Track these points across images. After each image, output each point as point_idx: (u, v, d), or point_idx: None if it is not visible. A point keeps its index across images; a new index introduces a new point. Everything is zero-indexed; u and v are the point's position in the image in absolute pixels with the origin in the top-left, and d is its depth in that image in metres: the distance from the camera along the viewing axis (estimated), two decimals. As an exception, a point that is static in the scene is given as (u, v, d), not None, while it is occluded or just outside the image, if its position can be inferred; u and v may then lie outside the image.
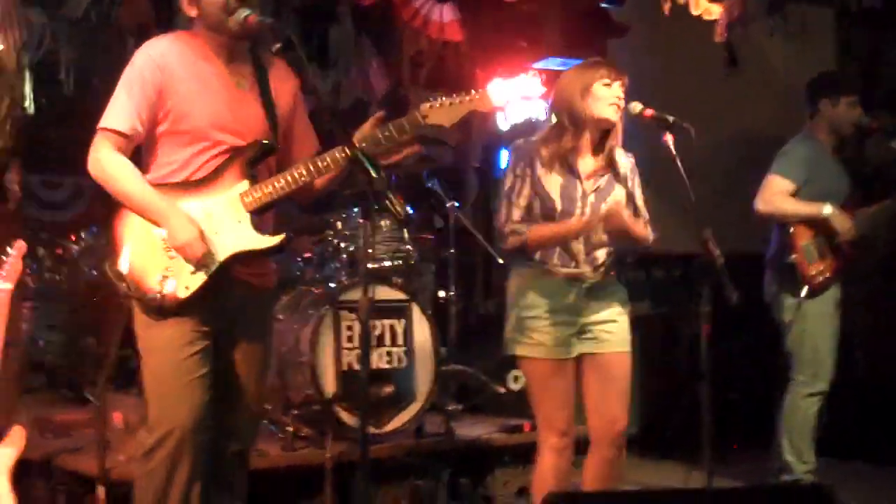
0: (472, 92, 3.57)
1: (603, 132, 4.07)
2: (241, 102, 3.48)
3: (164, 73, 3.39)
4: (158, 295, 3.35)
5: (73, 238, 6.96)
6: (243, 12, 3.38)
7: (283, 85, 3.61)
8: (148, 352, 3.47)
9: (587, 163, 4.07)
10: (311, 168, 3.42)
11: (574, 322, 4.02)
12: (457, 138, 7.70)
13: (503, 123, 7.17)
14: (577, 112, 4.00)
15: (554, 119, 4.10)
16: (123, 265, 3.38)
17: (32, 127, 5.97)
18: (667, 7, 6.27)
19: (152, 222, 3.37)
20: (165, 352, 3.40)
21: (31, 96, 6.47)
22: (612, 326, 4.09)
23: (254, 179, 3.45)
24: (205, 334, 3.43)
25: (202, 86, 3.43)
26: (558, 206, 4.00)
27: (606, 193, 4.07)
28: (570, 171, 4.03)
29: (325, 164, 3.42)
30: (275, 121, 3.52)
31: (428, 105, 3.49)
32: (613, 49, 6.86)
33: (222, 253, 3.41)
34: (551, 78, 6.81)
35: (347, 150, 3.28)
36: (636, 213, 4.12)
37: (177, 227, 3.34)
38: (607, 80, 4.00)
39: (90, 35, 6.59)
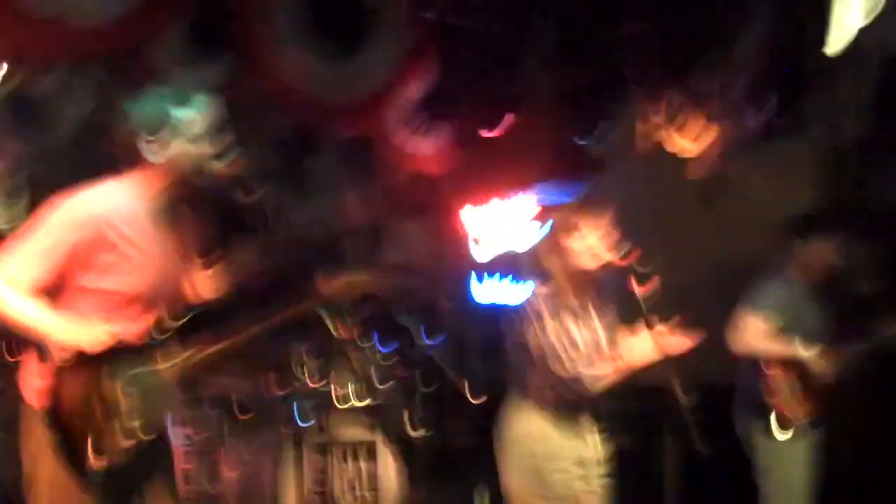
0: (367, 274, 3.66)
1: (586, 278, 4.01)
2: (170, 266, 3.38)
3: (99, 230, 3.21)
4: (92, 463, 3.13)
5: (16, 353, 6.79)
6: (215, 164, 3.30)
7: (190, 232, 3.51)
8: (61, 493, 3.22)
9: (576, 304, 4.00)
10: (235, 346, 3.38)
11: (586, 475, 3.90)
12: (431, 269, 7.68)
13: (478, 254, 7.14)
14: (551, 270, 3.96)
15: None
16: (64, 425, 3.17)
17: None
18: (640, 141, 6.32)
19: (48, 337, 3.18)
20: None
21: (12, 219, 6.48)
22: (601, 480, 3.98)
23: (181, 342, 3.33)
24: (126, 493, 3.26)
25: (144, 250, 3.29)
26: (584, 354, 3.90)
27: (596, 337, 4.02)
28: (578, 316, 3.96)
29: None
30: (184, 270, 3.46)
31: (333, 282, 3.53)
32: (591, 182, 6.87)
33: (155, 426, 3.26)
34: (528, 210, 6.93)
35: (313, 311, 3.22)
36: None
37: (70, 332, 3.16)
38: (578, 233, 3.94)
39: (71, 160, 6.59)
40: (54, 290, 3.26)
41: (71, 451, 3.15)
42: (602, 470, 3.98)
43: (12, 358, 6.75)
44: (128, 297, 3.28)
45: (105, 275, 3.23)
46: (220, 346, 3.33)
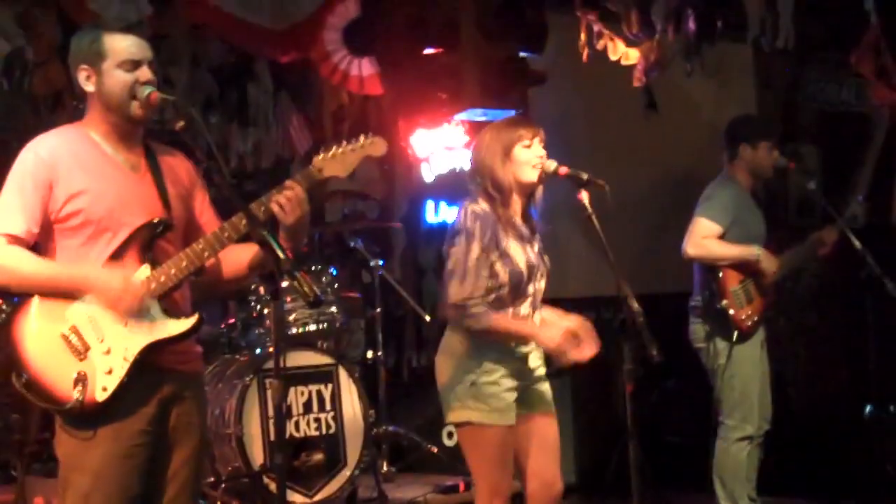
0: (364, 137, 3.43)
1: (529, 192, 4.02)
2: (138, 186, 3.31)
3: (54, 170, 3.20)
4: (78, 403, 3.09)
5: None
6: (146, 90, 3.23)
7: (177, 167, 3.46)
8: (75, 471, 3.18)
9: (520, 222, 3.99)
10: (213, 241, 3.26)
11: (518, 387, 3.93)
12: (382, 192, 7.66)
13: (428, 175, 7.13)
14: (500, 180, 3.90)
15: (476, 184, 3.98)
16: (30, 375, 3.12)
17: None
18: (585, 54, 6.31)
19: (79, 291, 3.14)
20: (98, 474, 3.15)
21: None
22: (542, 386, 4.05)
23: (153, 263, 3.26)
24: (142, 440, 3.20)
25: (97, 176, 3.25)
26: (525, 276, 3.90)
27: (540, 256, 4.02)
28: (521, 237, 3.95)
29: (225, 234, 3.25)
30: (168, 203, 3.34)
31: (321, 157, 3.35)
32: (534, 96, 6.86)
33: (136, 346, 3.19)
34: (473, 128, 6.90)
35: (258, 234, 3.12)
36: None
37: (103, 283, 3.13)
38: (527, 142, 3.92)
39: (5, 101, 6.48)
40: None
41: (50, 396, 3.11)
42: (541, 375, 4.04)
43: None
44: (101, 225, 3.23)
45: (70, 211, 3.20)
46: (183, 265, 3.23)
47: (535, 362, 4.03)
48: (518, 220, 3.97)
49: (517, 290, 3.89)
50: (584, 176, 3.86)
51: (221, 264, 3.44)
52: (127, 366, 3.15)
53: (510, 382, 3.90)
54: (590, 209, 3.83)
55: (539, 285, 4.00)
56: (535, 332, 3.89)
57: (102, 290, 3.16)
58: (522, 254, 3.91)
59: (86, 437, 3.15)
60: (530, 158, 3.92)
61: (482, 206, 3.90)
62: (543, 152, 3.95)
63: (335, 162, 3.36)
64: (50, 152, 3.23)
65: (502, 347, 3.89)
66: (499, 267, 3.86)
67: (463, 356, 3.89)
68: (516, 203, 3.97)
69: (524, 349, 3.96)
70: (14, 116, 6.55)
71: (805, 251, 5.44)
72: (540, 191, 4.02)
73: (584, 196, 3.84)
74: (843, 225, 5.31)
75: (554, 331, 3.85)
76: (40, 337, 3.15)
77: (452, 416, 3.91)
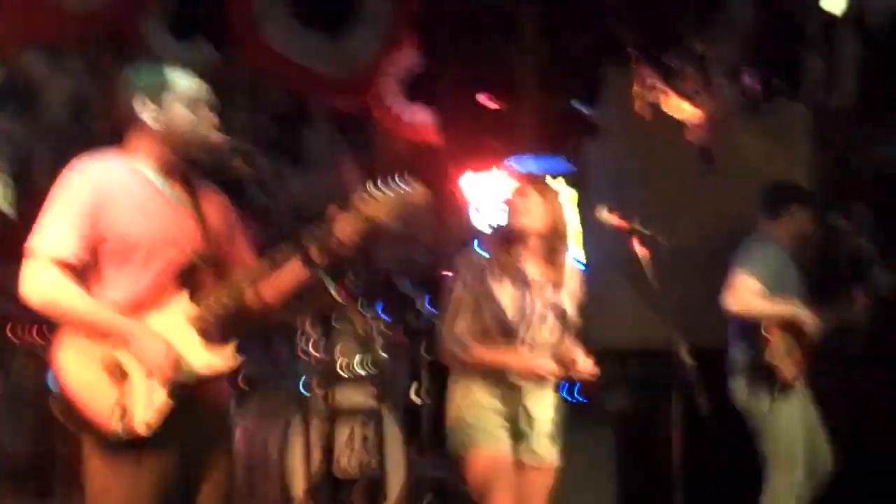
0: (406, 184, 3.34)
1: (550, 240, 4.08)
2: (183, 218, 3.32)
3: (102, 194, 3.17)
4: (119, 433, 3.06)
5: (41, 332, 6.78)
6: (211, 133, 3.27)
7: (215, 201, 3.46)
8: (104, 496, 3.14)
9: (535, 272, 4.09)
10: (252, 275, 3.28)
11: (515, 428, 4.00)
12: (431, 236, 7.68)
13: (478, 221, 7.15)
14: (506, 228, 4.12)
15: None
16: (67, 402, 3.11)
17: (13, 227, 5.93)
18: (637, 105, 6.32)
19: (118, 343, 3.11)
20: (128, 501, 3.12)
21: (11, 199, 6.48)
22: (543, 441, 4.08)
23: (194, 296, 3.26)
24: (173, 468, 3.18)
25: (145, 207, 3.25)
26: (510, 316, 4.00)
27: (555, 308, 4.08)
28: (523, 281, 4.04)
29: (265, 268, 3.27)
30: (208, 237, 3.34)
31: (362, 199, 3.29)
32: (589, 147, 6.88)
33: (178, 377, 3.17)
34: (524, 176, 6.91)
35: (305, 267, 3.16)
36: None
37: (147, 346, 3.12)
38: (518, 195, 4.10)
39: (66, 137, 6.60)
40: None
41: (89, 424, 3.09)
42: (547, 430, 4.07)
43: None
44: (149, 254, 3.22)
45: (118, 238, 3.20)
46: (222, 290, 3.25)
47: (542, 413, 4.07)
48: (526, 265, 4.06)
49: (505, 332, 4.00)
50: (640, 227, 3.90)
51: (257, 296, 3.41)
52: (165, 396, 3.14)
53: (505, 419, 3.98)
54: (644, 261, 3.85)
55: (541, 332, 4.04)
56: (515, 361, 3.97)
57: (143, 354, 3.13)
58: (513, 298, 4.00)
59: (119, 463, 3.12)
60: (515, 209, 4.09)
61: (474, 253, 4.16)
62: (526, 205, 4.06)
63: (379, 205, 3.30)
64: (101, 178, 3.21)
65: (494, 389, 3.99)
66: (484, 309, 4.00)
67: (454, 395, 4.08)
68: (533, 248, 4.06)
69: (521, 395, 4.01)
70: (74, 152, 6.66)
71: (842, 313, 5.40)
72: (558, 239, 4.10)
73: (639, 247, 3.88)
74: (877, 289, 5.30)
75: (543, 360, 3.95)
76: (78, 363, 3.13)
77: (458, 448, 4.05)
